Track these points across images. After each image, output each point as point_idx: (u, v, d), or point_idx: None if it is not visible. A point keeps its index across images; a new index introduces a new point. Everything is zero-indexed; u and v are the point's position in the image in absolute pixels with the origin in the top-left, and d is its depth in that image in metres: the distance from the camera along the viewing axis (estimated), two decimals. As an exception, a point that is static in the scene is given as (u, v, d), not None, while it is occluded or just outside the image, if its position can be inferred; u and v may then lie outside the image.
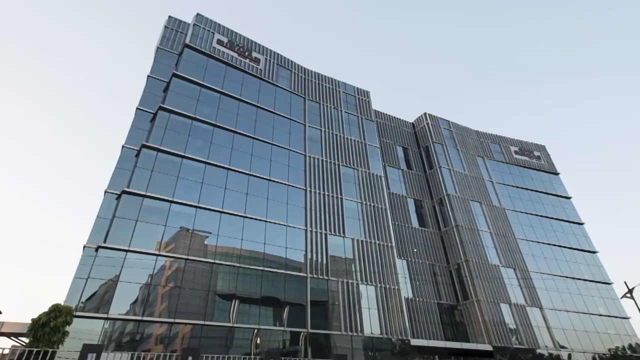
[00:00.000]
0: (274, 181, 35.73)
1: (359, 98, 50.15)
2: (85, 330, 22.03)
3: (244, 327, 26.87)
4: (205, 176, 32.13)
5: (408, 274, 40.13)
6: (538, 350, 37.96)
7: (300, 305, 30.16)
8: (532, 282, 43.97)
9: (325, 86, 48.24)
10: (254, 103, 39.84)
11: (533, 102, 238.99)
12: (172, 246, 27.63)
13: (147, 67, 36.99)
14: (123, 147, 30.97)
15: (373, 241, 37.07)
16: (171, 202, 29.18)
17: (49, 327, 18.52)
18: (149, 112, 33.83)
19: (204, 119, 35.09)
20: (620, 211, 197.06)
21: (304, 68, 47.86)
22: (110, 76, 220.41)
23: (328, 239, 34.89)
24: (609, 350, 42.34)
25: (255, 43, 44.50)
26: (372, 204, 39.98)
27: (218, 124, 35.69)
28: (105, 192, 28.26)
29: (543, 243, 49.83)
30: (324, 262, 33.30)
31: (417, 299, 38.70)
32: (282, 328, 28.37)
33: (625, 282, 33.60)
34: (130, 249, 25.72)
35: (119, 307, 23.86)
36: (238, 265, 29.15)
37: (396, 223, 43.45)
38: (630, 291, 32.84)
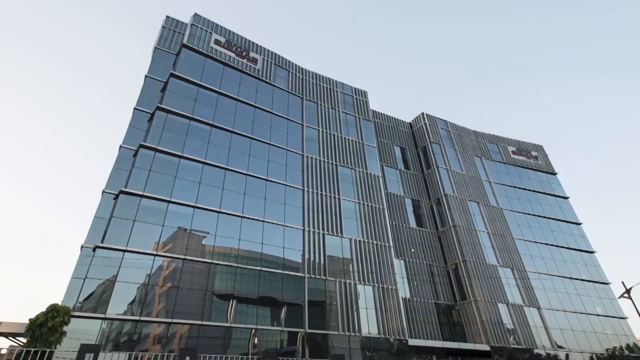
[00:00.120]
0: (271, 181, 35.75)
1: (356, 98, 50.20)
2: (83, 330, 22.03)
3: (241, 327, 26.90)
4: (203, 176, 32.15)
5: (405, 274, 40.23)
6: (535, 350, 38.05)
7: (298, 305, 30.19)
8: (529, 282, 44.10)
9: (323, 86, 48.28)
10: (251, 103, 39.86)
11: (533, 102, 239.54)
12: (169, 246, 27.64)
13: (146, 67, 36.95)
14: (121, 147, 30.94)
15: (370, 241, 37.12)
16: (169, 202, 29.19)
17: (47, 327, 18.54)
18: (146, 112, 33.82)
19: (201, 119, 35.11)
20: (620, 211, 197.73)
21: (302, 68, 47.90)
22: (110, 76, 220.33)
23: (326, 239, 34.93)
24: (607, 350, 42.45)
25: (253, 43, 44.52)
26: (369, 204, 40.04)
27: (216, 124, 35.71)
28: (103, 192, 28.23)
29: (540, 243, 49.95)
30: (322, 262, 33.34)
31: (415, 299, 38.76)
32: (279, 328, 28.39)
33: (622, 282, 33.70)
34: (128, 249, 25.73)
35: (117, 307, 23.86)
36: (236, 265, 29.18)
37: (394, 223, 43.53)
38: (628, 291, 32.93)
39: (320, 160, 40.63)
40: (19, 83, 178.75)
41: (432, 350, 34.40)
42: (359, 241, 36.51)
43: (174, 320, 24.81)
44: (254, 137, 37.61)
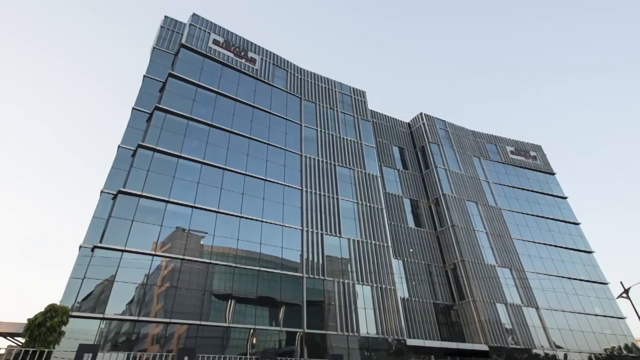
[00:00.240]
0: (270, 181, 35.77)
1: (355, 98, 50.24)
2: (82, 330, 22.02)
3: (240, 327, 26.92)
4: (201, 176, 32.16)
5: (404, 274, 40.27)
6: (534, 350, 38.11)
7: (296, 305, 30.21)
8: (528, 282, 44.16)
9: (322, 86, 48.31)
10: (250, 103, 39.88)
11: (532, 102, 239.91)
12: (168, 246, 27.64)
13: (145, 67, 36.99)
14: (119, 147, 30.90)
15: (369, 241, 37.15)
16: (167, 202, 29.20)
17: (45, 327, 18.50)
18: (145, 112, 33.80)
19: (200, 119, 35.11)
20: (618, 211, 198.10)
21: (300, 68, 47.93)
22: (109, 76, 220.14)
23: (324, 239, 34.95)
24: (605, 350, 42.52)
25: (251, 43, 44.54)
26: (368, 204, 40.07)
27: (214, 124, 35.72)
28: (102, 192, 28.20)
29: (539, 243, 50.03)
30: (320, 262, 33.36)
31: (413, 299, 38.81)
32: (278, 328, 28.41)
33: (621, 282, 33.77)
34: (127, 249, 25.73)
35: (115, 307, 23.86)
36: (234, 265, 29.19)
37: (392, 223, 43.56)
38: (626, 291, 32.97)
39: (318, 160, 40.65)
40: (19, 83, 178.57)
41: (431, 350, 34.44)
42: (358, 241, 36.54)
43: (173, 320, 24.82)
44: (253, 137, 37.62)
